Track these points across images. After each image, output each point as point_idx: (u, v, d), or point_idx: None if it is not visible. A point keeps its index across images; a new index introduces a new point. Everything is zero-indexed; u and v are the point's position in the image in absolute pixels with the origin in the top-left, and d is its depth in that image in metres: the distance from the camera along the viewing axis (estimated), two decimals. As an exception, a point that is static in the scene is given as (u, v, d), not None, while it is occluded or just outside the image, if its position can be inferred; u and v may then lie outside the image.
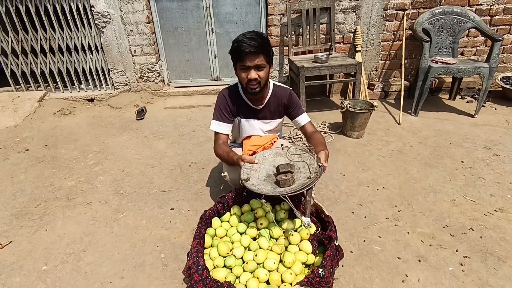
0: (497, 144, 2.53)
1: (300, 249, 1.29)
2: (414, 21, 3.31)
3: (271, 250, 1.28)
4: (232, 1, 3.42)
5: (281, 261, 1.25)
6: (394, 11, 3.35)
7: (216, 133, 1.60)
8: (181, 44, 3.66)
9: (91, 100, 3.72)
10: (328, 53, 3.24)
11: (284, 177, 1.23)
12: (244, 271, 1.23)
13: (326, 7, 3.29)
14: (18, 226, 1.79)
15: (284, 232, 1.33)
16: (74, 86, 3.78)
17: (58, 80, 3.68)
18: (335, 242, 1.22)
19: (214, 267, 1.24)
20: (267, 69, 1.44)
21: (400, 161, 2.33)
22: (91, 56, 3.61)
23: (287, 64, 3.57)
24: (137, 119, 3.27)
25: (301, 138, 2.72)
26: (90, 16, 3.37)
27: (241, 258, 1.28)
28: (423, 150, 2.48)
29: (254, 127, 1.65)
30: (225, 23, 3.55)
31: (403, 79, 3.28)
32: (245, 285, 1.16)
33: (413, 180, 2.10)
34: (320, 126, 2.93)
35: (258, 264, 1.24)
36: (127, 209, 1.91)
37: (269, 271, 1.20)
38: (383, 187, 2.03)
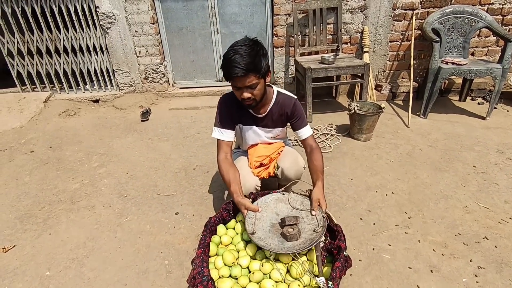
0: (510, 148, 2.45)
1: (308, 259, 1.25)
2: (423, 20, 3.24)
3: (277, 260, 1.24)
4: (237, 2, 3.38)
5: (288, 271, 1.21)
6: (403, 11, 3.28)
7: (219, 140, 1.54)
8: (186, 44, 3.63)
9: (96, 101, 3.72)
10: (335, 54, 3.18)
11: (291, 231, 1.22)
12: (250, 281, 1.19)
13: (333, 7, 3.23)
14: (22, 230, 1.78)
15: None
16: (79, 87, 3.78)
17: (63, 80, 3.69)
18: (344, 253, 1.18)
19: (220, 277, 1.20)
20: (262, 83, 1.34)
21: (409, 165, 2.27)
22: (96, 57, 3.61)
23: (293, 65, 3.51)
24: (141, 121, 3.26)
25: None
26: (95, 17, 3.36)
27: (247, 267, 1.24)
28: (433, 154, 2.41)
29: (257, 134, 1.60)
30: (231, 24, 3.51)
31: (411, 80, 3.22)
32: (251, 297, 1.12)
33: (423, 185, 2.04)
34: (327, 129, 2.88)
35: (264, 274, 1.20)
36: (131, 213, 1.89)
37: (276, 282, 1.16)
38: (392, 192, 1.98)
